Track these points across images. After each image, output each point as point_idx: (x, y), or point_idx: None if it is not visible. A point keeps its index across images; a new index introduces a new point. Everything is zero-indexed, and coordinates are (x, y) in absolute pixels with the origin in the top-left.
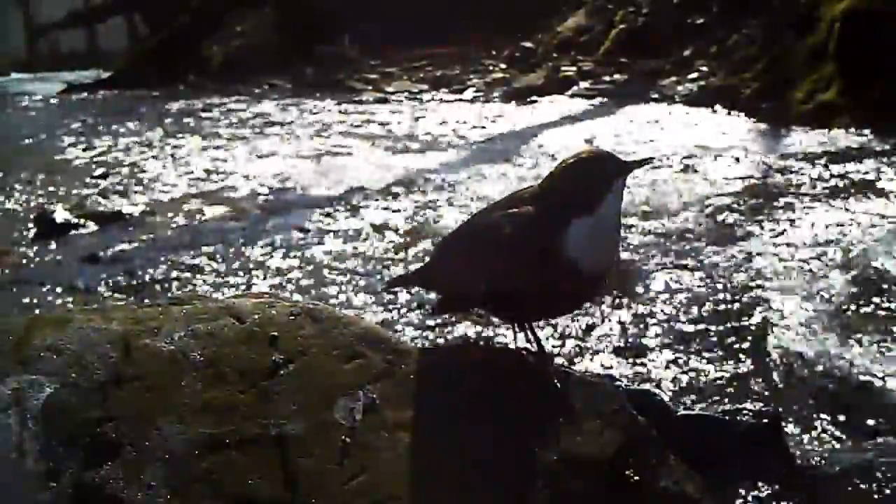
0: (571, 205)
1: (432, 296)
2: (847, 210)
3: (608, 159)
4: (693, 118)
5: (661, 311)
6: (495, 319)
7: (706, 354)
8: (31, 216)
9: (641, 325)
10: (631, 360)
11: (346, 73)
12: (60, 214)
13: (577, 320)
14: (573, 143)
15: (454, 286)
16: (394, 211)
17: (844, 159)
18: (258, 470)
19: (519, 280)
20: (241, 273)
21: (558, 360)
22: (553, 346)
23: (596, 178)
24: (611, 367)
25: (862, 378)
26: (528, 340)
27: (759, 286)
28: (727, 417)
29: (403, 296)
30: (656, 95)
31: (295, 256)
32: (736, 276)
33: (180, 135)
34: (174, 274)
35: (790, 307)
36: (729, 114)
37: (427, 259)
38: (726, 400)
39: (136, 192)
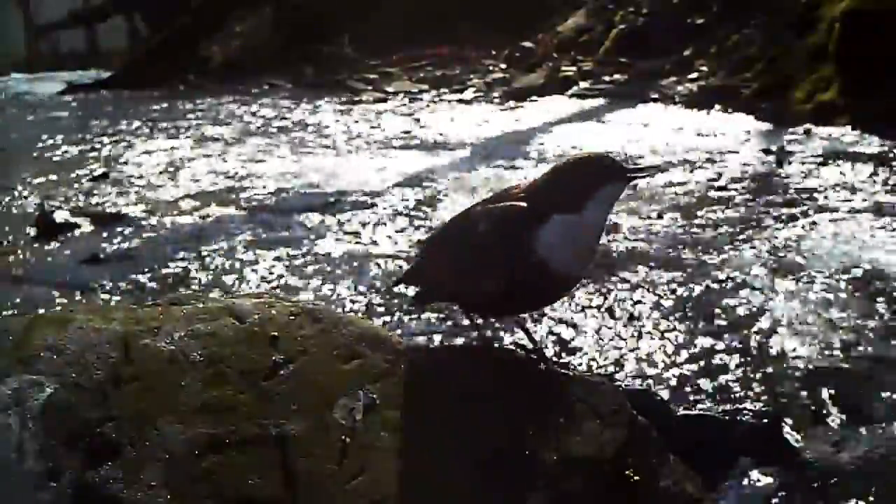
0: (554, 202)
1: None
2: (847, 210)
3: (604, 162)
4: (693, 118)
5: (661, 310)
6: (493, 319)
7: (706, 354)
8: (32, 216)
9: (641, 325)
10: (631, 360)
11: (346, 73)
12: (60, 214)
13: (578, 320)
14: (573, 144)
15: (437, 280)
16: (394, 211)
17: (844, 159)
18: (258, 470)
19: (493, 274)
20: (241, 273)
21: (558, 360)
22: (553, 346)
23: (584, 180)
24: (611, 367)
25: (862, 378)
26: (528, 340)
27: (759, 286)
28: (727, 417)
29: (403, 296)
30: (656, 95)
31: (295, 256)
32: (735, 276)
33: (180, 135)
34: (174, 274)
35: (790, 307)
36: (729, 114)
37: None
38: (726, 400)
39: (136, 192)
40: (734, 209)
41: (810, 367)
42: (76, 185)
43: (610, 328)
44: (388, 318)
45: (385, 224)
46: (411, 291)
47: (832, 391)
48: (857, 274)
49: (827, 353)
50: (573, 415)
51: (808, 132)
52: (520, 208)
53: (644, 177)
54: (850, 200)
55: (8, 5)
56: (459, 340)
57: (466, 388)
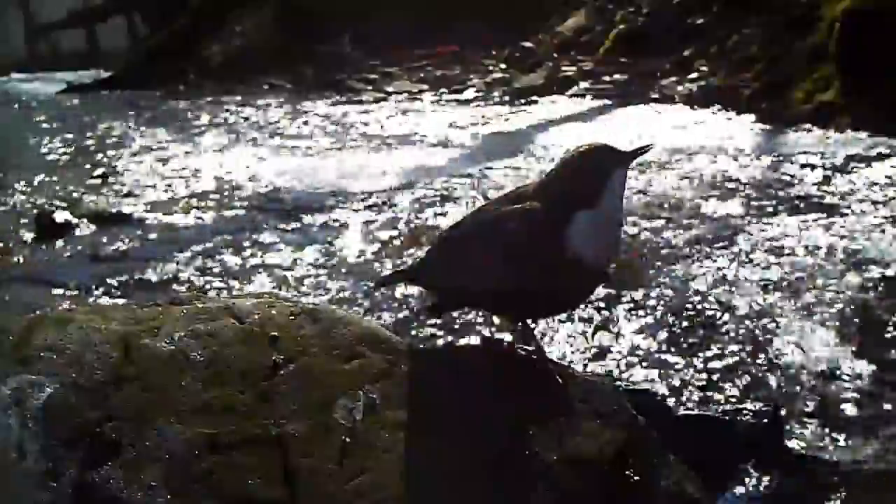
0: (574, 199)
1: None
2: (846, 210)
3: (607, 151)
4: (693, 118)
5: (661, 311)
6: (495, 318)
7: (706, 354)
8: (32, 216)
9: (641, 326)
10: (631, 361)
11: (346, 73)
12: (60, 214)
13: (578, 320)
14: (573, 143)
15: (456, 283)
16: (394, 211)
17: (844, 159)
18: (258, 470)
19: (524, 275)
20: (241, 273)
21: (558, 360)
22: (553, 346)
23: (595, 172)
24: (611, 367)
25: (862, 378)
26: (528, 340)
27: (758, 286)
28: (727, 417)
29: (403, 296)
30: (656, 95)
31: (295, 256)
32: (735, 276)
33: (180, 135)
34: (174, 274)
35: (790, 308)
36: (729, 114)
37: (423, 256)
38: (726, 400)
39: (136, 192)
40: (734, 209)
41: (810, 367)
42: (76, 185)
43: (609, 328)
44: (388, 319)
45: (385, 224)
46: (403, 290)
47: (833, 391)
48: (857, 273)
49: (827, 353)
50: (573, 415)
51: (807, 132)
52: (547, 206)
53: (641, 154)
54: (849, 199)
55: (8, 5)
56: (459, 340)
57: (467, 388)
